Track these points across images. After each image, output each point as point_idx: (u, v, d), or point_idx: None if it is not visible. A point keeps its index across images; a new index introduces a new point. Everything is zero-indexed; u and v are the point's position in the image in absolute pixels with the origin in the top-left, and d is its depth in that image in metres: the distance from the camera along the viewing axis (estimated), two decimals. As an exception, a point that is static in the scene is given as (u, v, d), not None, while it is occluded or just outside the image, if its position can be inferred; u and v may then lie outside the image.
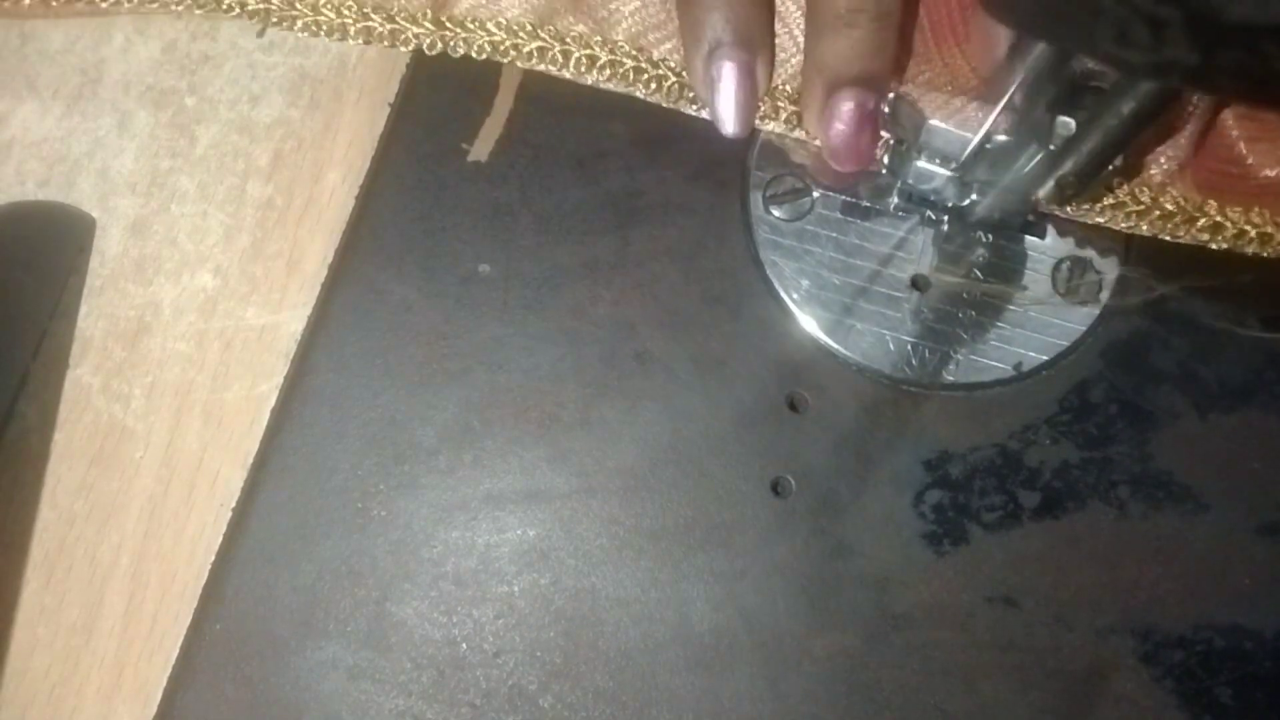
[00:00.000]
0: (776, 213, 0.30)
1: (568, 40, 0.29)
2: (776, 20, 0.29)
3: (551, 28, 0.29)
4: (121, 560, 0.29)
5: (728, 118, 0.28)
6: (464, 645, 0.28)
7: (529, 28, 0.29)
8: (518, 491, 0.29)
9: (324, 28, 0.30)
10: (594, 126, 0.30)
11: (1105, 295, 0.30)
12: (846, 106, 0.27)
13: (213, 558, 0.29)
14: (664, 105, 0.30)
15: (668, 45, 0.29)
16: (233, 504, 0.29)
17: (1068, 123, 0.24)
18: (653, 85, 0.29)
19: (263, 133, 0.32)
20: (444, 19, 0.30)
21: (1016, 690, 0.28)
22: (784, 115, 0.29)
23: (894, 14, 0.27)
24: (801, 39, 0.29)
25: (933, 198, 0.30)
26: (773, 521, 0.28)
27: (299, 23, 0.30)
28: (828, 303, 0.30)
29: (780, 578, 0.28)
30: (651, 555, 0.28)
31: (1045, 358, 0.29)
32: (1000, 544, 0.28)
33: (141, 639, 0.29)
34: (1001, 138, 0.26)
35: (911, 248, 0.30)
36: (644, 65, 0.29)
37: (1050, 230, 0.30)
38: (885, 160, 0.29)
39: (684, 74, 0.29)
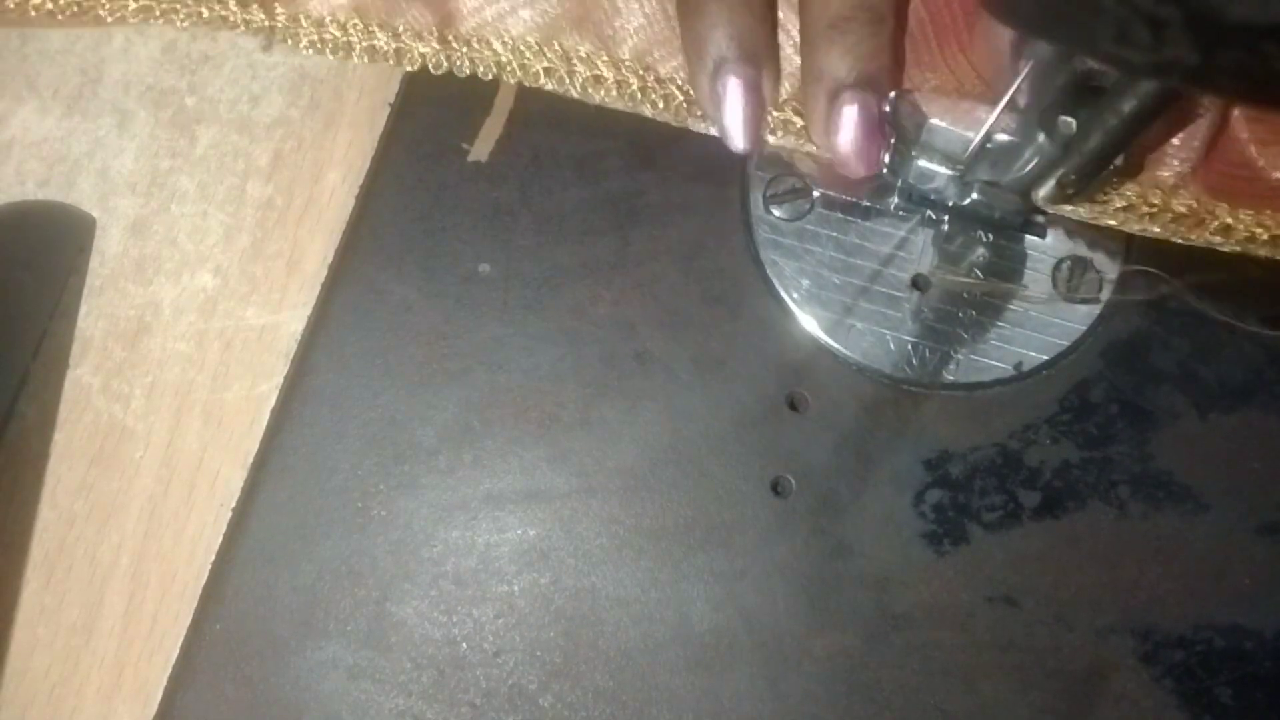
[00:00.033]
0: (776, 212, 0.30)
1: (573, 60, 0.29)
2: (780, 33, 0.29)
3: (557, 46, 0.29)
4: (121, 560, 0.29)
5: (736, 134, 0.28)
6: (464, 645, 0.28)
7: (535, 46, 0.29)
8: (518, 491, 0.29)
9: (329, 45, 0.30)
10: (594, 126, 0.30)
11: (1106, 295, 0.30)
12: (850, 111, 0.27)
13: (213, 558, 0.29)
14: (672, 123, 0.30)
15: (673, 63, 0.29)
16: (233, 504, 0.29)
17: (1068, 122, 0.24)
18: (660, 103, 0.29)
19: (263, 133, 0.32)
20: (449, 37, 0.30)
21: (1016, 690, 0.28)
22: (794, 129, 0.29)
23: (887, 17, 0.27)
24: None
25: (933, 197, 0.30)
26: (773, 521, 0.28)
27: (304, 39, 0.30)
28: (828, 302, 0.29)
29: (780, 578, 0.28)
30: (651, 555, 0.28)
31: (1045, 357, 0.29)
32: (1000, 544, 0.28)
33: (141, 639, 0.29)
34: (1003, 137, 0.26)
35: (912, 248, 0.30)
36: (650, 84, 0.29)
37: (1050, 230, 0.30)
38: (886, 160, 0.29)
39: (690, 91, 0.29)
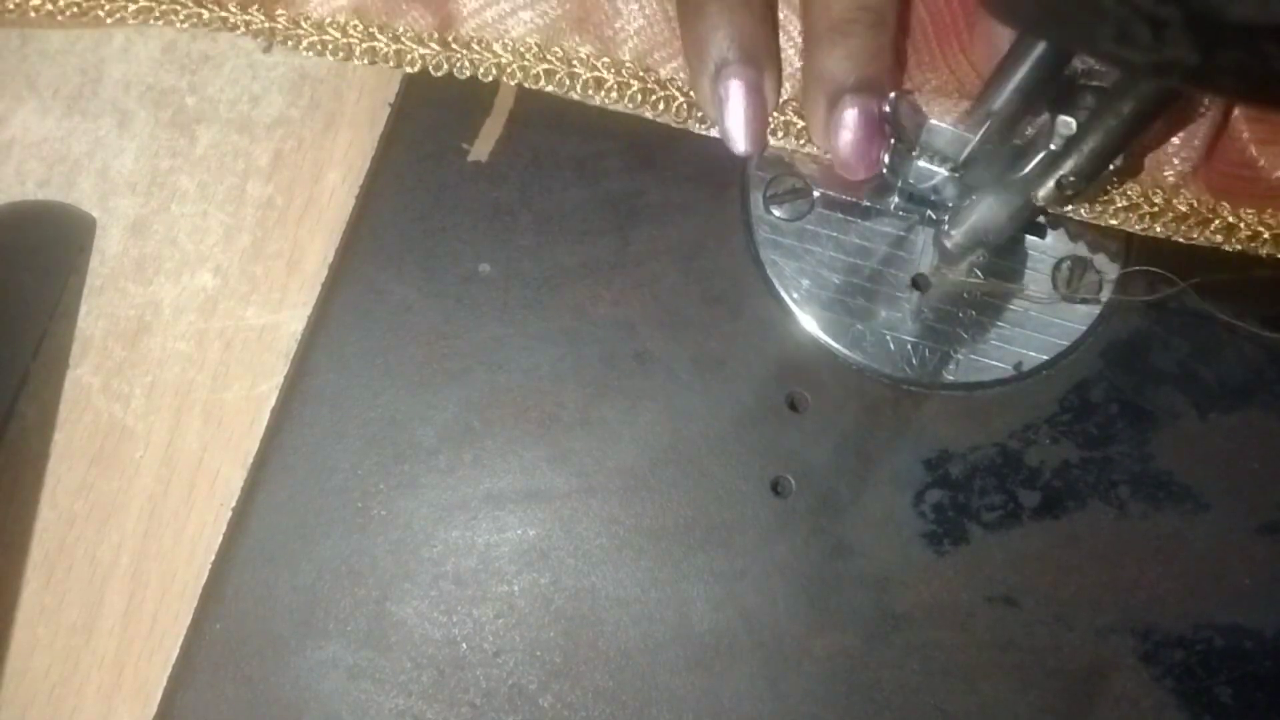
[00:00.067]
0: (776, 212, 0.30)
1: (574, 63, 0.29)
2: (781, 34, 0.29)
3: (558, 49, 0.29)
4: (121, 560, 0.29)
5: (738, 136, 0.28)
6: (464, 645, 0.28)
7: (536, 49, 0.29)
8: (518, 491, 0.29)
9: (329, 47, 0.30)
10: (594, 127, 0.30)
11: (1106, 295, 0.30)
12: (851, 114, 0.27)
13: (213, 558, 0.29)
14: (673, 125, 0.30)
15: (674, 64, 0.29)
16: (233, 504, 0.29)
17: (1068, 122, 0.24)
18: (660, 106, 0.29)
19: (263, 133, 0.32)
20: (450, 39, 0.30)
21: (1016, 690, 0.28)
22: (795, 130, 0.29)
23: (889, 20, 0.27)
24: None
25: (933, 198, 0.30)
26: (773, 521, 0.28)
27: (304, 42, 0.30)
28: (828, 302, 0.29)
29: (780, 578, 0.28)
30: (651, 555, 0.28)
31: (1045, 357, 0.29)
32: (1000, 544, 0.28)
33: (141, 639, 0.29)
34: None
35: (911, 248, 0.30)
36: (651, 86, 0.29)
37: (1050, 230, 0.30)
38: (886, 160, 0.29)
39: (692, 94, 0.29)
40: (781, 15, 0.29)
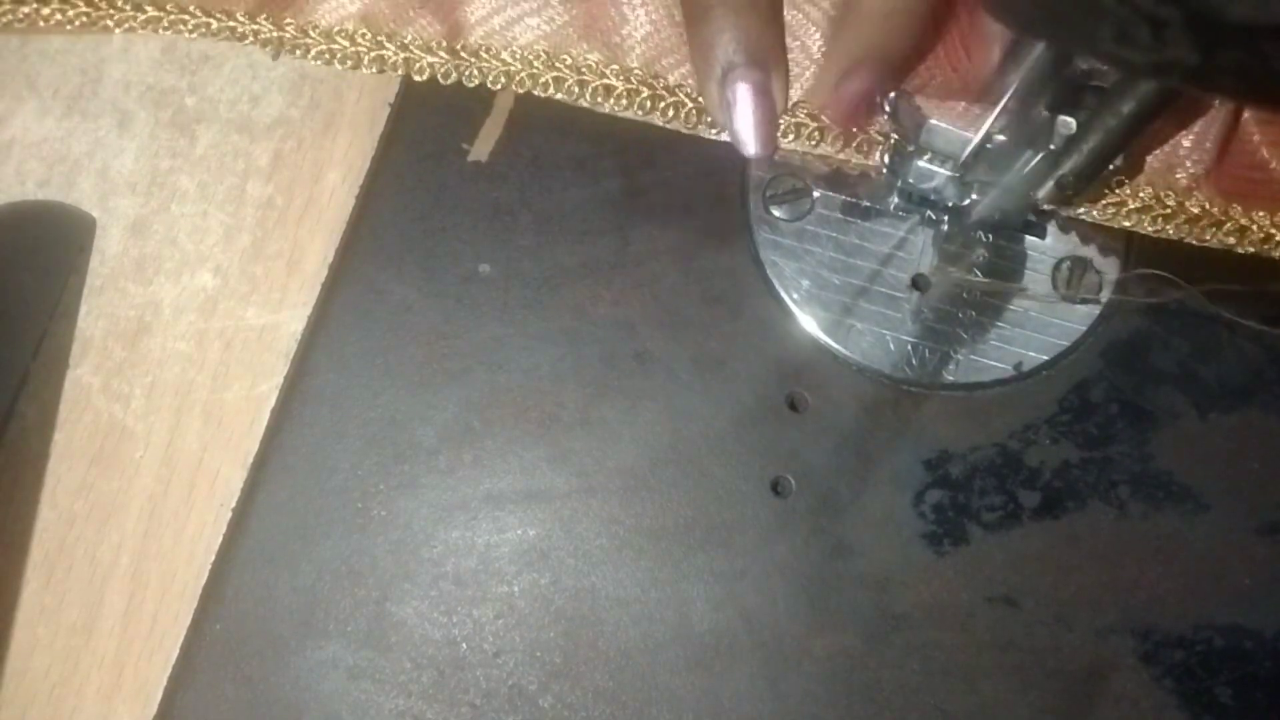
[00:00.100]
0: (776, 213, 0.30)
1: (583, 70, 0.29)
2: (788, 35, 0.29)
3: (566, 57, 0.29)
4: (121, 560, 0.29)
5: (748, 139, 0.27)
6: (464, 645, 0.28)
7: (544, 57, 0.29)
8: (518, 491, 0.29)
9: (337, 56, 0.30)
10: (594, 127, 0.30)
11: (1105, 295, 0.30)
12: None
13: (213, 558, 0.29)
14: (684, 131, 0.30)
15: (682, 70, 0.29)
16: (233, 504, 0.29)
17: (1068, 122, 0.24)
18: (670, 112, 0.29)
19: (263, 133, 0.32)
20: (458, 47, 0.29)
21: (1016, 690, 0.28)
22: (806, 132, 0.29)
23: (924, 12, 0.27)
24: (815, 52, 0.29)
25: (933, 197, 0.30)
26: (773, 521, 0.28)
27: (312, 50, 0.30)
28: (828, 303, 0.29)
29: (780, 578, 0.28)
30: (651, 555, 0.28)
31: (1045, 358, 0.29)
32: (1000, 544, 0.28)
33: (141, 639, 0.29)
34: (1002, 137, 0.26)
35: (911, 248, 0.30)
36: (660, 92, 0.29)
37: (1050, 230, 0.30)
38: (885, 160, 0.29)
39: (700, 99, 0.29)
40: (790, 17, 0.29)
